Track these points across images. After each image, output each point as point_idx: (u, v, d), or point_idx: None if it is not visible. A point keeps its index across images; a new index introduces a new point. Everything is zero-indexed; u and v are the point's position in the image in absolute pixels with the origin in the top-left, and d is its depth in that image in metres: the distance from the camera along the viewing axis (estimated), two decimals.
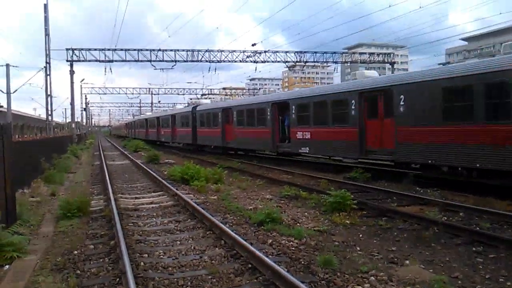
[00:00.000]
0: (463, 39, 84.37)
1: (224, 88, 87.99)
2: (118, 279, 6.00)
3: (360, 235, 8.46)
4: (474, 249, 7.29)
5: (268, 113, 23.16)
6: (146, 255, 7.17)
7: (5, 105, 34.86)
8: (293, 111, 20.79)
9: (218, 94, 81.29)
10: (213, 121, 30.78)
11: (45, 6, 36.10)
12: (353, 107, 16.70)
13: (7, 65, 35.45)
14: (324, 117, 18.49)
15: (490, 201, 11.02)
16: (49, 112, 38.35)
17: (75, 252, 7.46)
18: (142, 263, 6.64)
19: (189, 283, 5.90)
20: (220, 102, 40.69)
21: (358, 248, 7.54)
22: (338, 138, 17.54)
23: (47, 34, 36.37)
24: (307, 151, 19.97)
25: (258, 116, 24.33)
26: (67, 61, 39.45)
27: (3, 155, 8.37)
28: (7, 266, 6.74)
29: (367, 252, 7.32)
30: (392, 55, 48.99)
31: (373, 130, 16.10)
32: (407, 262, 6.75)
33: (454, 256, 6.98)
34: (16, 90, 35.07)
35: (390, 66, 48.33)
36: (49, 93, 37.25)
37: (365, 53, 49.87)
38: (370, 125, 16.26)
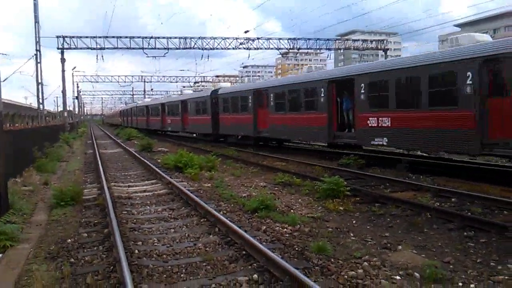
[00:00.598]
0: (457, 25, 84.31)
1: (217, 76, 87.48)
2: (112, 267, 6.00)
3: (354, 221, 8.51)
4: (465, 234, 7.36)
5: (322, 94, 18.13)
6: (140, 243, 7.17)
7: None
8: (363, 91, 15.89)
9: (211, 82, 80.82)
10: (241, 106, 25.65)
11: None
12: (468, 82, 11.72)
13: None
14: (416, 98, 13.53)
15: (483, 187, 11.13)
16: (40, 101, 37.96)
17: (69, 240, 7.45)
18: (136, 251, 6.65)
19: (183, 270, 5.92)
20: (251, 83, 34.47)
21: (351, 234, 7.59)
22: (442, 126, 12.59)
23: (36, 21, 35.84)
24: (385, 143, 15.14)
25: (307, 98, 19.42)
26: (58, 48, 38.91)
27: None
28: (0, 255, 6.71)
29: (360, 238, 7.37)
30: (385, 41, 48.88)
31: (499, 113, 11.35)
32: (400, 247, 6.81)
33: (446, 241, 7.05)
34: (6, 79, 34.72)
35: (383, 53, 48.25)
36: (40, 81, 36.85)
37: (358, 40, 49.66)
38: (495, 105, 11.44)
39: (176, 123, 37.99)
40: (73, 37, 38.80)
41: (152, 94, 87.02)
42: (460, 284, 5.30)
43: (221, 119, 28.47)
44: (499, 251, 6.46)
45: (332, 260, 6.15)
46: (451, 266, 5.92)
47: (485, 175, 12.48)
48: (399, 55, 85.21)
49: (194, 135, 36.20)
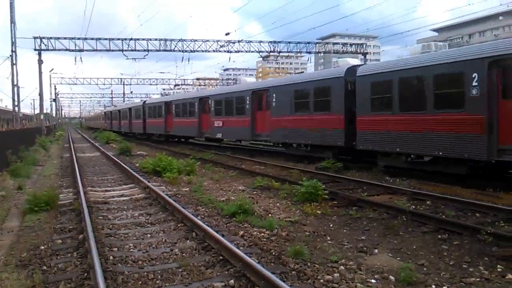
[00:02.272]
0: (433, 30, 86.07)
1: (197, 79, 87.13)
2: (86, 273, 5.89)
3: (331, 225, 8.57)
4: (439, 236, 7.50)
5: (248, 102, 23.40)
6: (116, 249, 7.06)
7: None
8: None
9: (191, 85, 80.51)
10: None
11: None
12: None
13: None
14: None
15: (457, 190, 11.36)
16: (16, 103, 37.16)
17: (42, 247, 7.28)
18: (111, 257, 6.54)
19: (159, 276, 5.85)
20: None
21: (328, 238, 7.64)
22: None
23: (12, 21, 35.11)
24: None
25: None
26: (35, 50, 38.24)
27: None
28: None
29: (337, 241, 7.43)
30: (364, 45, 49.56)
31: None
32: (376, 251, 6.89)
33: (421, 244, 7.16)
34: None
35: (363, 57, 48.89)
36: (15, 83, 36.08)
37: (338, 43, 50.20)
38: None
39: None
40: (50, 38, 38.22)
41: (131, 97, 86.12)
42: (434, 286, 5.38)
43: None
44: (471, 253, 6.59)
45: (309, 264, 6.17)
46: (425, 269, 6.01)
47: (456, 177, 12.73)
48: (379, 59, 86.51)
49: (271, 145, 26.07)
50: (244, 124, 23.42)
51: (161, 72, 76.27)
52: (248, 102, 23.15)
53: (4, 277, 5.84)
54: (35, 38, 37.76)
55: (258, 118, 22.65)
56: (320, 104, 17.74)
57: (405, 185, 12.22)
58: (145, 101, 44.98)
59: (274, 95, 20.90)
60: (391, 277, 5.67)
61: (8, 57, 35.21)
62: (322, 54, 76.22)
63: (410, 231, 7.88)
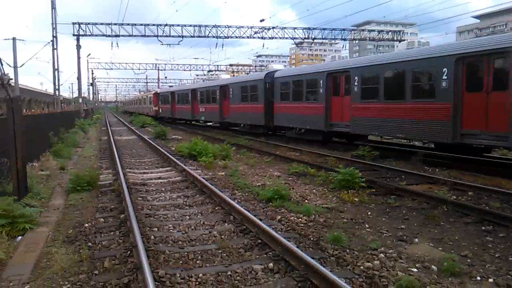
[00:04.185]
0: (475, 17, 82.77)
1: (231, 65, 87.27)
2: (129, 251, 6.06)
3: (369, 213, 8.47)
4: (483, 228, 7.29)
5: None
6: (156, 229, 7.24)
7: (12, 79, 34.82)
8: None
9: (224, 71, 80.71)
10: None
11: None
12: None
13: (14, 39, 35.28)
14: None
15: (499, 182, 10.98)
16: (56, 87, 38.32)
17: (86, 225, 7.55)
18: (152, 237, 6.71)
19: (199, 256, 5.95)
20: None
21: (367, 226, 7.56)
22: None
23: (53, 7, 36.04)
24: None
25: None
26: (73, 35, 39.24)
27: (13, 128, 8.38)
28: (19, 237, 6.83)
29: (376, 229, 7.34)
30: (401, 32, 48.22)
31: None
32: (416, 240, 6.77)
33: (463, 235, 6.99)
34: (23, 64, 35.15)
35: (398, 43, 47.61)
36: (56, 67, 37.16)
37: (374, 30, 49.05)
38: None
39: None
40: (88, 23, 39.09)
41: (166, 83, 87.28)
42: (478, 278, 5.25)
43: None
44: None
45: (348, 250, 6.13)
46: (468, 260, 5.87)
47: (497, 169, 12.35)
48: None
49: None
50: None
51: (195, 58, 76.92)
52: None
53: (54, 251, 6.09)
54: (73, 24, 38.77)
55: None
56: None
57: (445, 175, 11.91)
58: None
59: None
60: (433, 267, 5.56)
61: (49, 42, 36.24)
62: (357, 42, 74.83)
63: (451, 222, 7.70)
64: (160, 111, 49.97)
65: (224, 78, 35.14)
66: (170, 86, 71.47)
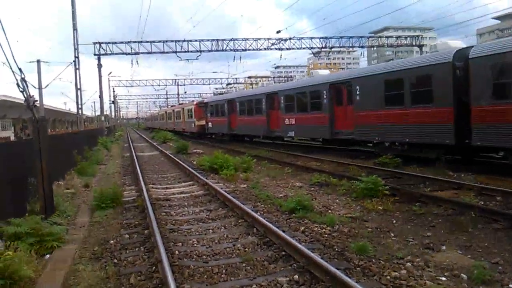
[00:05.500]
0: (495, 18, 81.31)
1: (249, 77, 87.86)
2: (154, 267, 6.11)
3: (394, 221, 8.34)
4: None
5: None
6: (180, 243, 7.27)
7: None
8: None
9: (243, 83, 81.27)
10: None
11: (72, 0, 36.68)
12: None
13: (38, 61, 36.41)
14: None
15: None
16: (79, 106, 39.18)
17: (111, 241, 7.64)
18: (176, 252, 6.74)
19: (223, 270, 5.95)
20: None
21: (392, 234, 7.44)
22: None
23: (75, 28, 37.00)
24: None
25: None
26: (94, 55, 40.18)
27: (39, 148, 8.59)
28: (48, 255, 6.96)
29: (401, 238, 7.21)
30: (420, 37, 47.70)
31: None
32: (444, 247, 6.62)
33: (493, 241, 6.80)
34: (47, 85, 36.09)
35: (418, 49, 47.10)
36: (78, 87, 38.03)
37: (392, 36, 48.70)
38: None
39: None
40: (108, 43, 40.00)
41: (185, 97, 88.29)
42: (511, 285, 5.09)
43: None
44: None
45: (374, 260, 6.04)
46: (500, 267, 5.70)
47: None
48: (436, 51, 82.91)
49: None
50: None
51: (213, 72, 77.60)
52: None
53: (81, 269, 6.18)
54: (94, 43, 39.71)
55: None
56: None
57: (471, 180, 11.65)
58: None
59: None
60: (463, 275, 5.42)
61: (71, 63, 37.17)
62: (375, 48, 74.28)
63: (480, 228, 7.51)
64: (210, 125, 38.12)
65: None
66: (221, 94, 59.45)
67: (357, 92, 18.28)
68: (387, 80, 16.50)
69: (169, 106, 74.42)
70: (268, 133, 27.71)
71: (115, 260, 6.56)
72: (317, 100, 21.33)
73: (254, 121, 29.11)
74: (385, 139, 17.02)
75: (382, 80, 16.75)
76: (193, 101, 48.57)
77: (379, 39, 49.43)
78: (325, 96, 20.57)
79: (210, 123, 38.37)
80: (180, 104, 60.97)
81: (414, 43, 46.85)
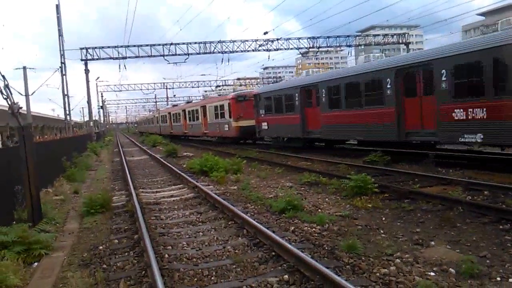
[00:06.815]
0: (480, 14, 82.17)
1: (238, 79, 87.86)
2: (144, 271, 6.06)
3: (383, 218, 8.37)
4: (501, 227, 7.14)
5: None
6: (170, 247, 7.23)
7: (24, 107, 35.47)
8: None
9: (232, 85, 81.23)
10: None
11: (57, 6, 36.50)
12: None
13: (24, 68, 36.06)
14: None
15: None
16: (67, 112, 38.93)
17: (101, 247, 7.57)
18: (166, 255, 6.70)
19: (213, 273, 5.93)
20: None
21: (381, 231, 7.47)
22: None
23: (60, 34, 36.80)
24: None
25: None
26: (81, 60, 39.88)
27: (25, 156, 8.50)
28: (35, 264, 6.88)
29: (391, 234, 7.25)
30: (406, 35, 48.08)
31: None
32: (433, 243, 6.66)
33: (481, 235, 6.85)
34: (34, 92, 35.75)
35: (405, 47, 47.48)
36: (66, 93, 37.78)
37: (378, 35, 49.02)
38: None
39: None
40: (95, 48, 39.73)
41: (174, 100, 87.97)
42: (499, 278, 5.13)
43: None
44: None
45: (363, 258, 6.05)
46: (487, 261, 5.74)
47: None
48: (422, 48, 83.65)
49: None
50: None
51: (202, 75, 77.55)
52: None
53: (69, 276, 6.12)
54: (81, 49, 39.40)
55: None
56: None
57: (459, 176, 11.75)
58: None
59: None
60: (451, 270, 5.45)
61: (58, 69, 36.91)
62: (362, 47, 74.70)
63: (468, 223, 7.56)
64: (265, 127, 26.41)
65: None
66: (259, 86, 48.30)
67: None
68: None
69: (171, 106, 62.58)
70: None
71: (104, 266, 6.50)
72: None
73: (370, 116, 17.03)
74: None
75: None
76: (220, 95, 37.71)
77: (366, 37, 49.78)
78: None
79: (265, 124, 26.49)
80: (188, 102, 50.24)
81: (400, 41, 47.21)
